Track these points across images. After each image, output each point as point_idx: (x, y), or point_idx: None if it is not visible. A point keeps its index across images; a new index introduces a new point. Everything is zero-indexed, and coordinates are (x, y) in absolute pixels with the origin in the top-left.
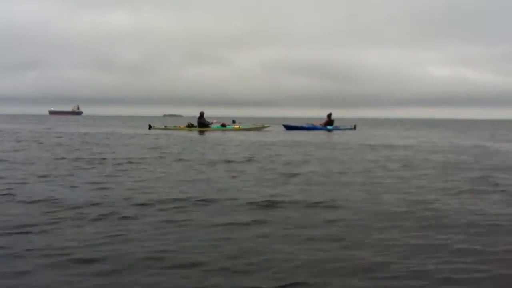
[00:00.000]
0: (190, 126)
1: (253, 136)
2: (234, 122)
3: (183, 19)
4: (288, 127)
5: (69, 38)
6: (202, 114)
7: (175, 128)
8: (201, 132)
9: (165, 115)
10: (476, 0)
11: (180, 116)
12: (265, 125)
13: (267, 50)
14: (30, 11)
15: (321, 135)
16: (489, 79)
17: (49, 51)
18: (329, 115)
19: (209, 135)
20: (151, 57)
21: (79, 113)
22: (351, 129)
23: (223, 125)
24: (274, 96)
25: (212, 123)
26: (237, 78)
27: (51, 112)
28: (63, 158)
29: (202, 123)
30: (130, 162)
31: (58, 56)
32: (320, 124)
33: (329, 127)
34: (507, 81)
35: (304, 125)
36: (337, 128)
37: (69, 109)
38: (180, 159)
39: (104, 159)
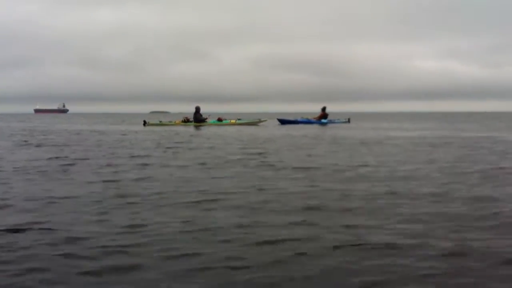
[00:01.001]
0: (186, 121)
1: (267, 130)
2: (208, 117)
3: (170, 15)
4: (283, 121)
5: (54, 36)
6: (198, 109)
7: (171, 124)
8: (198, 127)
9: (151, 112)
10: None
11: (167, 112)
12: (262, 120)
13: (255, 46)
14: (15, 9)
15: (330, 129)
16: (476, 72)
17: (35, 50)
18: (324, 109)
19: (210, 129)
20: (138, 54)
21: (64, 111)
22: (345, 122)
23: (219, 120)
24: (262, 91)
25: (207, 118)
26: (225, 74)
27: (36, 111)
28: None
29: (198, 118)
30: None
31: (44, 54)
32: (315, 118)
33: (323, 120)
34: (493, 73)
35: (299, 119)
36: (331, 122)
37: (54, 107)
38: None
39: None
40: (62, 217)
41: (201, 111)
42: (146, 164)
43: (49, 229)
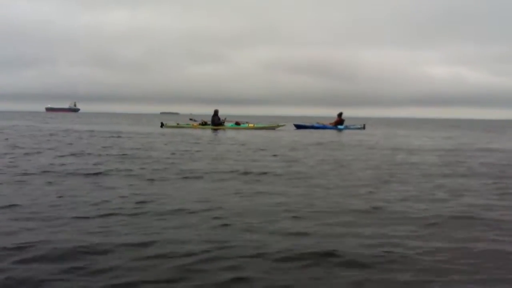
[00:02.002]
0: (203, 124)
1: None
2: (224, 119)
3: (184, 18)
4: (299, 126)
5: (68, 36)
6: (216, 112)
7: (188, 126)
8: (215, 131)
9: (162, 113)
10: (475, 1)
11: (176, 113)
12: (280, 124)
13: (266, 49)
14: (30, 8)
15: (354, 135)
16: (486, 79)
17: (49, 49)
18: (340, 114)
19: (232, 133)
20: (151, 55)
21: (76, 110)
22: (360, 128)
23: (237, 124)
24: (273, 94)
25: (224, 121)
26: (236, 76)
27: (48, 109)
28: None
29: (216, 122)
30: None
31: (57, 54)
32: (330, 124)
33: (339, 126)
34: (504, 81)
35: (315, 124)
36: (347, 128)
37: (66, 106)
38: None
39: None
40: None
41: (211, 113)
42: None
43: None
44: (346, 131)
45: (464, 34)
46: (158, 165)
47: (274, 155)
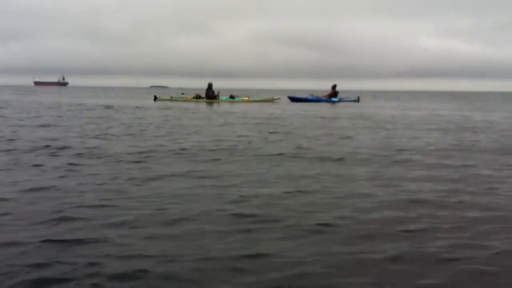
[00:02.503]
0: (197, 97)
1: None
2: (218, 93)
3: None
4: (293, 99)
5: (55, 8)
6: (210, 86)
7: (182, 100)
8: (210, 104)
9: (151, 86)
10: None
11: (166, 87)
12: (275, 98)
13: (256, 21)
14: None
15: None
16: (478, 51)
17: (34, 21)
18: (334, 87)
19: (226, 106)
20: (139, 27)
21: (64, 84)
22: (354, 101)
23: (231, 97)
24: (263, 67)
25: (219, 94)
26: (226, 49)
27: (36, 83)
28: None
29: (210, 95)
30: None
31: (43, 26)
32: (325, 96)
33: (334, 99)
34: (496, 53)
35: (309, 96)
36: (341, 100)
37: (54, 80)
38: None
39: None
40: None
41: (202, 86)
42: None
43: None
44: (341, 104)
45: (457, 5)
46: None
47: None
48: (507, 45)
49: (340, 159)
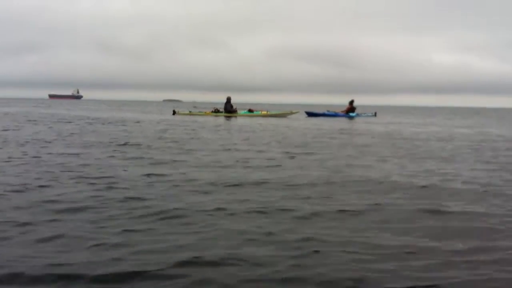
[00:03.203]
0: (216, 111)
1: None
2: (250, 110)
3: (187, 4)
4: (310, 114)
5: (70, 22)
6: (229, 100)
7: (201, 114)
8: (228, 118)
9: (164, 100)
10: None
11: (179, 101)
12: (293, 111)
13: (269, 36)
14: None
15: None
16: (491, 67)
17: (50, 35)
18: (351, 102)
19: (246, 120)
20: (152, 42)
21: (78, 97)
22: (372, 116)
23: (250, 111)
24: (275, 82)
25: (236, 109)
26: (239, 63)
27: (51, 96)
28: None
29: (229, 109)
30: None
31: (59, 40)
32: (342, 111)
33: (351, 114)
34: (510, 69)
35: (326, 112)
36: (359, 115)
37: (69, 93)
38: None
39: None
40: None
41: (215, 100)
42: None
43: None
44: (358, 119)
45: (471, 20)
46: None
47: None
48: None
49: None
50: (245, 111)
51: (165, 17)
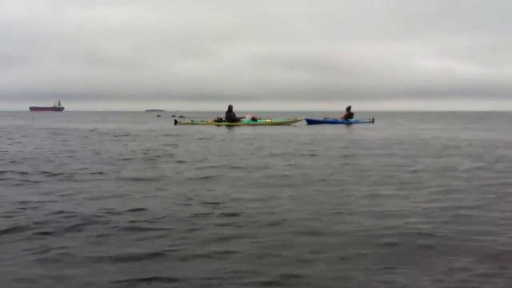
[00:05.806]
0: (218, 120)
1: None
2: (254, 119)
3: (171, 13)
4: (310, 121)
5: (54, 33)
6: (230, 108)
7: (203, 123)
8: (231, 127)
9: (146, 110)
10: None
11: (162, 110)
12: (298, 119)
13: (255, 44)
14: (15, 6)
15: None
16: (475, 71)
17: (30, 47)
18: (348, 108)
19: (251, 130)
20: (138, 52)
21: (60, 109)
22: (370, 122)
23: (253, 119)
24: (262, 90)
25: (241, 118)
26: (225, 72)
27: (32, 108)
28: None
29: (232, 118)
30: None
31: (41, 51)
32: (341, 118)
33: (351, 120)
34: (493, 73)
35: (326, 119)
36: (357, 122)
37: (50, 105)
38: None
39: None
40: None
41: (205, 110)
42: None
43: None
44: (357, 125)
45: (456, 26)
46: None
47: None
48: (506, 65)
49: None
50: (248, 119)
51: (149, 27)
